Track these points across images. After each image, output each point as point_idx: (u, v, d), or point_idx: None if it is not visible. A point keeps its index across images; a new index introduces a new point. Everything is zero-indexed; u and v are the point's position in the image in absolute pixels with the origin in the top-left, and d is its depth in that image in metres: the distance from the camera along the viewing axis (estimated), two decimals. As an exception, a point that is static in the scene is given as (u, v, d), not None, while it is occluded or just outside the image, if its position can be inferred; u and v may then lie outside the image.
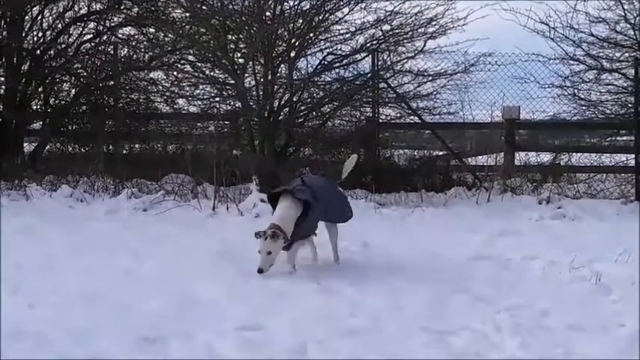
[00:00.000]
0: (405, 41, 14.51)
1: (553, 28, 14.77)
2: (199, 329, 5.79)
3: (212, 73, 14.87)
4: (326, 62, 14.45)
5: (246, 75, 13.93)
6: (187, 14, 14.77)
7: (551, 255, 8.71)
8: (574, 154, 15.08)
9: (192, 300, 6.65)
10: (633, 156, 14.36)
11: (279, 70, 14.26)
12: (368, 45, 14.52)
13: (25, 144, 16.25)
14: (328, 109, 14.87)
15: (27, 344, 5.34)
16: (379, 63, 14.77)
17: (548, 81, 15.30)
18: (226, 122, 15.26)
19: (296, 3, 13.97)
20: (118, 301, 6.55)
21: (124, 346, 5.40)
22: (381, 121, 15.41)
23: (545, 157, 15.12)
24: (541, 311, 6.49)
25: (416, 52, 14.49)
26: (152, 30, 15.69)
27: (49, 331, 5.62)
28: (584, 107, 15.66)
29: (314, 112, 14.75)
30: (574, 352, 5.49)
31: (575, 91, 15.40)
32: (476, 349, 5.54)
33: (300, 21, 14.00)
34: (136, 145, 15.83)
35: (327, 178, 8.72)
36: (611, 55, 15.19)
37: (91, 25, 16.24)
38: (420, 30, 14.29)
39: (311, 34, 14.24)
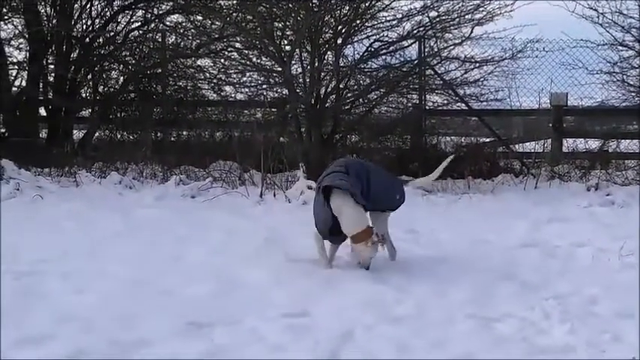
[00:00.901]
0: (452, 28, 14.44)
1: (601, 14, 14.61)
2: (246, 315, 5.83)
3: (259, 61, 14.89)
4: (372, 49, 14.43)
5: (293, 62, 13.92)
6: (234, 1, 14.83)
7: (599, 242, 8.64)
8: (623, 140, 14.94)
9: (239, 286, 6.69)
10: (683, 142, 14.25)
11: (326, 57, 14.25)
12: (415, 32, 14.46)
13: (74, 131, 16.45)
14: (375, 96, 14.88)
15: (75, 327, 5.42)
16: (426, 50, 14.73)
17: (596, 67, 15.16)
18: (273, 109, 15.32)
19: (343, -10, 13.97)
20: (165, 286, 6.62)
21: (171, 330, 5.46)
22: (427, 107, 15.41)
23: (594, 144, 14.99)
24: (589, 298, 6.45)
25: (463, 38, 14.42)
26: (199, 17, 15.76)
27: (97, 316, 5.70)
28: (633, 93, 15.51)
29: (360, 99, 14.75)
30: (622, 338, 5.46)
31: (624, 77, 15.26)
32: (523, 335, 5.54)
33: (347, 8, 13.97)
34: (184, 133, 15.93)
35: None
36: (661, 41, 15.03)
37: (139, 12, 16.41)
38: (467, 16, 14.20)
39: (357, 21, 14.21)
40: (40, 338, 5.16)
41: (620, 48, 14.98)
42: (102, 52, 16.34)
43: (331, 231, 7.28)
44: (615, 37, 14.83)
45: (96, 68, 16.38)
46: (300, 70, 14.09)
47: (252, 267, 7.27)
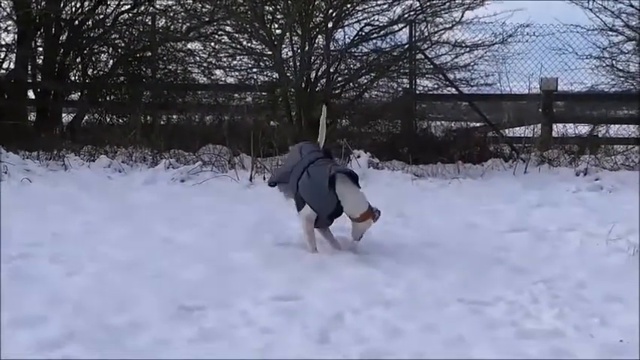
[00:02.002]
0: (443, 12, 14.45)
1: (592, -1, 14.70)
2: (236, 298, 5.83)
3: (249, 44, 14.89)
4: (363, 33, 14.42)
5: (284, 46, 13.93)
6: (225, -16, 14.80)
7: (588, 226, 8.70)
8: (612, 125, 14.99)
9: (230, 269, 6.70)
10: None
11: (317, 41, 14.24)
12: (405, 16, 14.46)
13: (63, 114, 16.42)
14: (365, 80, 14.89)
15: (66, 310, 5.41)
16: (416, 34, 14.72)
17: (586, 52, 15.28)
18: (263, 93, 15.31)
19: (333, -27, 13.95)
20: (156, 269, 6.62)
21: (162, 313, 5.46)
22: (418, 92, 15.40)
23: (583, 129, 15.04)
24: (578, 282, 6.49)
25: (453, 23, 14.43)
26: (189, 1, 15.72)
27: (88, 299, 5.71)
28: (622, 78, 15.62)
29: (351, 83, 14.76)
30: (610, 322, 5.49)
31: (614, 62, 15.38)
32: (512, 318, 5.56)
33: (338, -9, 13.98)
34: (174, 116, 15.92)
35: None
36: (650, 26, 15.10)
37: (129, -5, 16.34)
38: (457, 0, 14.22)
39: (348, 5, 14.20)
40: (31, 321, 5.15)
41: (610, 33, 15.11)
42: (91, 34, 16.31)
43: (330, 216, 7.33)
44: (605, 22, 14.94)
45: (85, 51, 16.35)
46: (290, 53, 14.09)
47: (242, 250, 7.28)
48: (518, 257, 7.42)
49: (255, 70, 15.28)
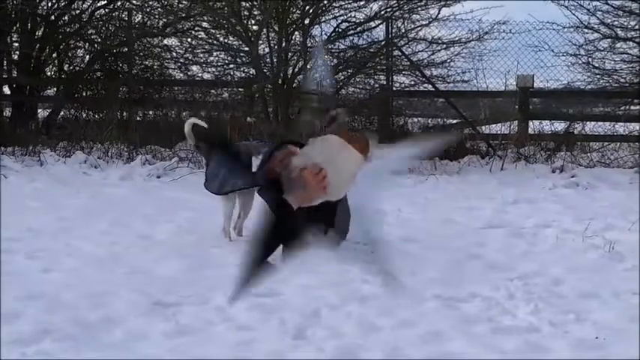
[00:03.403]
0: (420, 9, 14.52)
1: (567, -4, 14.76)
2: (213, 294, 5.82)
3: (226, 40, 14.87)
4: (340, 30, 14.44)
5: (260, 42, 13.93)
6: (202, -20, 14.78)
7: (564, 223, 8.73)
8: (588, 122, 15.04)
9: (207, 265, 6.70)
10: (647, 125, 14.37)
11: (294, 37, 14.24)
12: (382, 12, 14.49)
13: (39, 110, 16.32)
14: (342, 77, 14.87)
15: (41, 306, 5.39)
16: (393, 31, 14.74)
17: (562, 49, 15.31)
18: (240, 89, 15.28)
19: (310, -30, 13.95)
20: (132, 265, 6.62)
21: (138, 308, 5.45)
22: (394, 89, 15.40)
23: (559, 126, 15.07)
24: (554, 279, 6.50)
25: (430, 19, 14.49)
26: (166, -4, 15.69)
27: (63, 294, 5.68)
28: (598, 76, 15.66)
29: (328, 80, 14.73)
30: (586, 318, 5.50)
31: (590, 59, 15.41)
32: (488, 315, 5.57)
33: (315, -12, 13.98)
34: (150, 112, 15.86)
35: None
36: (625, 23, 15.16)
37: (106, -10, 16.26)
38: (434, -3, 14.29)
39: (325, 2, 14.21)
40: (5, 316, 5.12)
41: (586, 30, 15.12)
42: (67, 30, 16.21)
43: None
44: (581, 20, 14.96)
45: (61, 46, 16.24)
46: (267, 50, 14.09)
47: (219, 246, 7.30)
48: (494, 253, 7.43)
49: (231, 66, 15.28)
